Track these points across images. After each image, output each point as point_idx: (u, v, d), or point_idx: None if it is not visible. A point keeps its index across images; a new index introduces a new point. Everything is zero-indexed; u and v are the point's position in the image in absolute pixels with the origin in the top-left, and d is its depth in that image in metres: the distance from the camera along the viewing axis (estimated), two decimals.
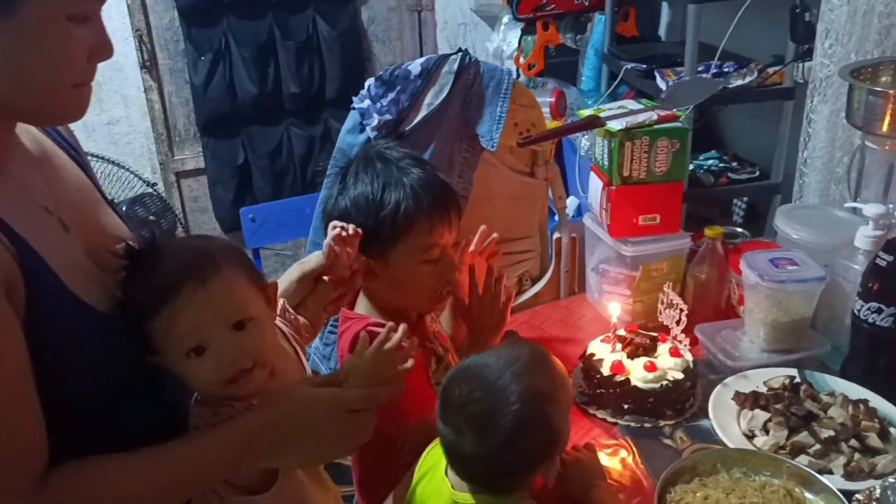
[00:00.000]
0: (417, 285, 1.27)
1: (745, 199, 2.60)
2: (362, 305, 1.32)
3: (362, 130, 1.64)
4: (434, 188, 1.25)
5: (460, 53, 1.67)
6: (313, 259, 1.20)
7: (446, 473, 1.09)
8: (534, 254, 1.90)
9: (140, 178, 2.84)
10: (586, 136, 2.47)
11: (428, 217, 1.22)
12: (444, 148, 1.64)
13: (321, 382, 1.02)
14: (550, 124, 2.14)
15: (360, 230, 1.18)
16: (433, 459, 1.13)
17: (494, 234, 1.43)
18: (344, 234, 1.16)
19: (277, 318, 1.12)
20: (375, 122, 1.60)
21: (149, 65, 2.94)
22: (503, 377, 0.97)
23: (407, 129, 1.62)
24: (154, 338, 0.95)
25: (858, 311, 1.35)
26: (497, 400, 0.96)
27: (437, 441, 1.08)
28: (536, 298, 1.87)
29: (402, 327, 1.05)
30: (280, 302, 1.15)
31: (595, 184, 1.64)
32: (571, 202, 2.29)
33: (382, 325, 1.24)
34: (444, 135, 1.65)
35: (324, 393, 1.00)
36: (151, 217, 2.68)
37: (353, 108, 1.66)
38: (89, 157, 1.34)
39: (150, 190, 2.88)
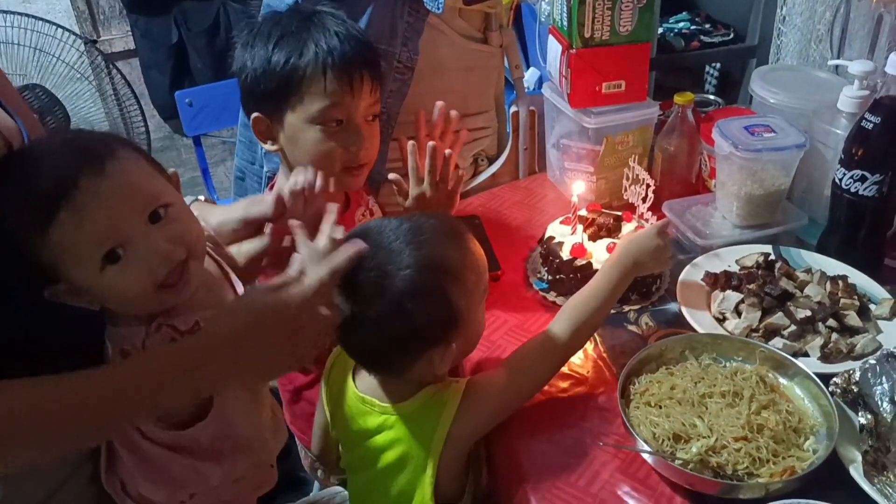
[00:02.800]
0: (319, 154, 1.16)
1: (719, 65, 2.44)
2: (282, 179, 1.22)
3: None
4: (340, 44, 1.13)
5: None
6: (264, 203, 1.05)
7: (359, 392, 1.01)
8: (490, 131, 1.74)
9: (65, 63, 2.56)
10: None
11: (323, 76, 1.12)
12: (383, 12, 1.45)
13: (279, 286, 0.87)
14: None
15: (323, 188, 1.05)
16: (336, 385, 1.06)
17: (453, 112, 1.32)
18: (302, 190, 1.03)
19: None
20: None
21: None
22: (400, 241, 0.89)
23: None
24: (52, 258, 0.80)
25: (840, 179, 1.24)
26: (389, 262, 0.88)
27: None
28: (494, 179, 1.73)
29: (316, 176, 1.02)
30: (207, 231, 1.01)
31: (554, 48, 1.47)
32: (531, 74, 2.12)
33: None
34: None
35: (292, 293, 0.85)
36: (34, 116, 2.41)
37: None
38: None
39: (37, 82, 2.55)
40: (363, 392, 1.01)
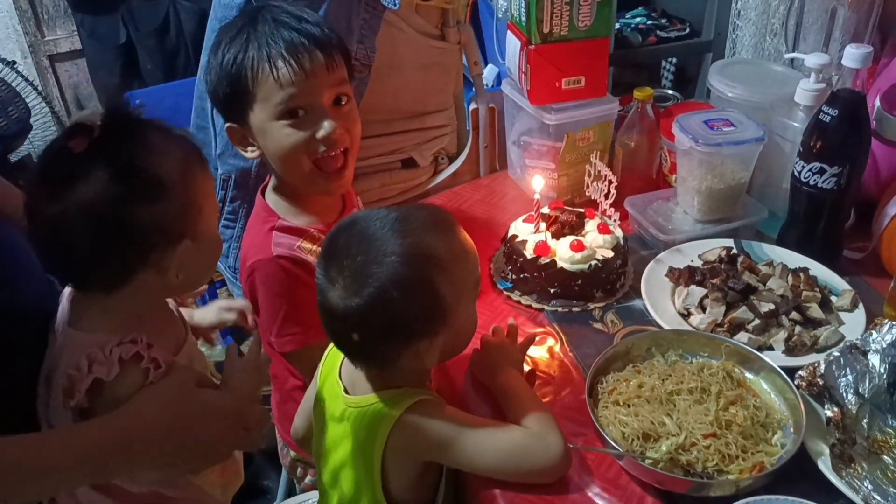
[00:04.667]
0: (285, 151, 1.11)
1: (675, 60, 2.45)
2: (271, 184, 1.21)
3: None
4: (287, 31, 1.08)
5: None
6: (233, 312, 1.21)
7: (340, 376, 0.98)
8: (450, 129, 1.73)
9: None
10: None
11: (274, 66, 1.07)
12: (339, 9, 1.42)
13: (200, 381, 0.92)
14: None
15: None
16: (331, 362, 1.02)
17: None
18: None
19: None
20: None
21: None
22: (388, 229, 0.87)
23: None
24: None
25: (799, 172, 1.24)
26: (375, 249, 0.86)
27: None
28: (455, 178, 1.72)
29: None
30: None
31: (513, 44, 1.45)
32: (490, 71, 2.10)
33: (291, 232, 1.13)
34: None
35: (223, 398, 0.92)
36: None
37: None
38: None
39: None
40: (343, 373, 0.98)
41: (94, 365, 0.85)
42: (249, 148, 1.16)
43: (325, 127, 1.10)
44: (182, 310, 1.11)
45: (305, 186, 1.16)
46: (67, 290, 0.95)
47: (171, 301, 1.04)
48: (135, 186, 0.83)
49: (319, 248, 1.11)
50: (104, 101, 0.86)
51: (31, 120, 2.46)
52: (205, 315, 1.20)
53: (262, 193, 1.21)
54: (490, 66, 2.14)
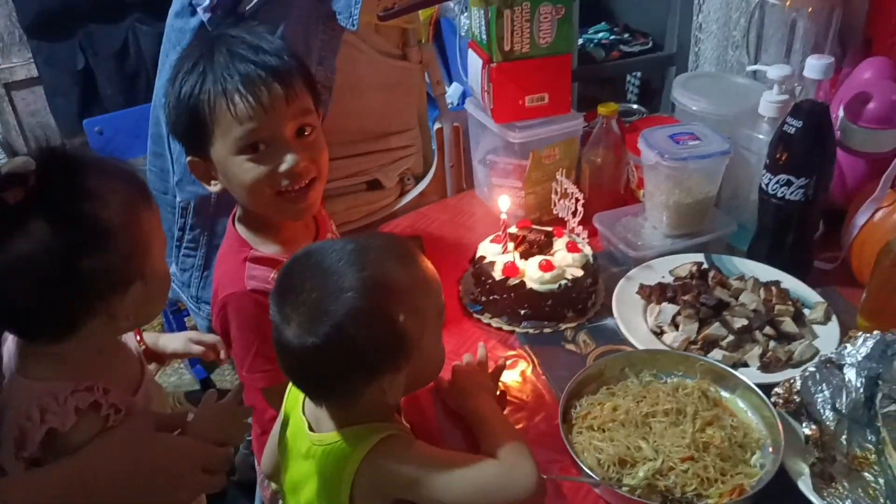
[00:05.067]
0: (247, 184, 1.07)
1: (639, 74, 2.45)
2: (238, 214, 1.17)
3: (193, 13, 1.36)
4: (242, 62, 1.04)
5: None
6: (203, 344, 1.18)
7: (303, 411, 0.94)
8: (414, 149, 1.70)
9: None
10: (465, 14, 2.24)
11: (231, 99, 1.02)
12: (296, 30, 1.38)
13: (164, 424, 0.90)
14: None
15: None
16: (295, 396, 0.98)
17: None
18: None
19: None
20: (207, 2, 1.32)
21: None
22: (344, 261, 0.82)
23: (247, 8, 1.34)
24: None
25: (766, 185, 1.23)
26: (331, 284, 0.81)
27: None
28: (421, 198, 1.69)
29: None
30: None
31: (474, 63, 1.43)
32: (454, 89, 2.08)
33: (265, 263, 1.10)
34: (295, 14, 1.38)
35: (186, 443, 0.90)
36: None
37: None
38: None
39: None
40: (306, 408, 0.94)
41: (48, 415, 0.81)
42: (212, 181, 1.11)
43: (288, 161, 1.05)
44: (146, 335, 1.08)
45: (272, 214, 1.12)
46: (11, 336, 0.90)
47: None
48: (78, 237, 0.79)
49: None
50: (34, 147, 0.82)
51: None
52: (170, 342, 1.16)
53: (233, 223, 1.17)
54: (454, 84, 2.12)
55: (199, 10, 1.33)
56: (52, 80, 2.72)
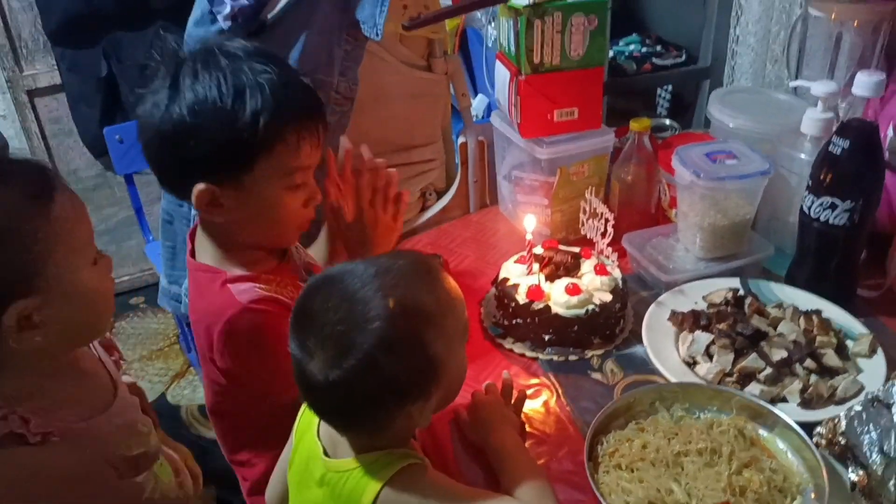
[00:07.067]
0: (280, 216, 1.01)
1: (670, 87, 2.38)
2: (204, 248, 1.06)
3: (214, 21, 1.32)
4: (298, 94, 0.98)
5: None
6: None
7: (318, 435, 0.89)
8: (437, 163, 1.65)
9: None
10: (493, 24, 2.19)
11: (295, 132, 0.96)
12: (319, 40, 1.34)
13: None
14: None
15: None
16: (308, 419, 0.93)
17: (365, 151, 1.22)
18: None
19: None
20: (228, 10, 1.28)
21: None
22: (368, 287, 0.77)
23: (270, 16, 1.31)
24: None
25: (808, 208, 1.16)
26: (356, 314, 0.76)
27: None
28: (443, 214, 1.63)
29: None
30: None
31: (502, 75, 1.38)
32: (480, 101, 2.03)
33: (244, 280, 1.02)
34: (319, 23, 1.34)
35: None
36: None
37: None
38: None
39: None
40: (321, 433, 0.89)
41: None
42: (217, 212, 0.99)
43: (316, 198, 1.03)
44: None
45: (272, 243, 1.07)
46: None
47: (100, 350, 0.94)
48: None
49: (276, 289, 1.02)
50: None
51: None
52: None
53: (192, 256, 1.08)
54: (480, 96, 2.07)
55: (219, 17, 1.30)
56: (75, 88, 2.71)
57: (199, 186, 0.96)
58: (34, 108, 2.71)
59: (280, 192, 0.99)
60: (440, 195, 1.67)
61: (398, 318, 0.76)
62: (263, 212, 1.00)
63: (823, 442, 0.92)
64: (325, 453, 0.88)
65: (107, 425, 0.87)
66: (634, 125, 1.37)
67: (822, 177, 1.13)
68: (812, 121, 1.24)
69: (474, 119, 1.74)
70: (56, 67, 2.67)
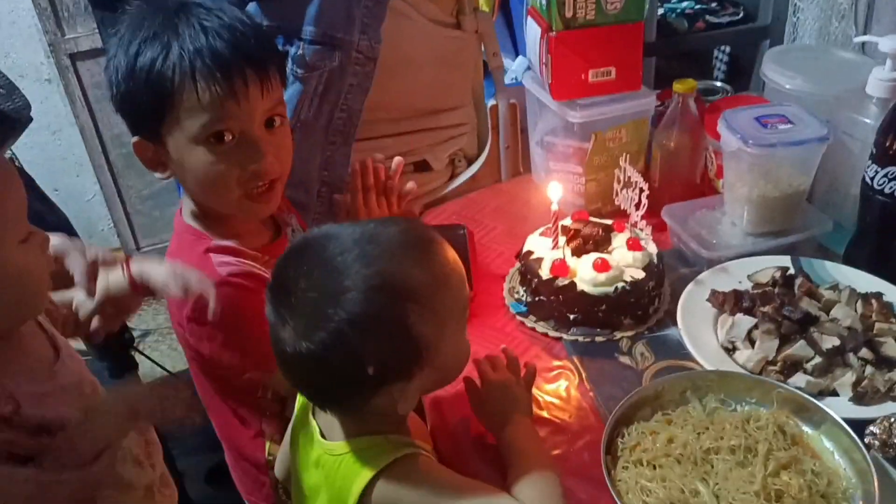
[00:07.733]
0: (205, 177, 0.95)
1: (727, 48, 2.23)
2: (187, 209, 1.03)
3: None
4: (209, 41, 0.90)
5: None
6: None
7: (313, 414, 0.84)
8: (468, 128, 1.56)
9: None
10: None
11: (195, 82, 0.89)
12: None
13: None
14: None
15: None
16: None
17: (397, 159, 1.18)
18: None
19: None
20: None
21: None
22: (348, 254, 0.71)
23: None
24: None
25: (871, 178, 1.05)
26: (331, 283, 0.71)
27: None
28: (474, 182, 1.55)
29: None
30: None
31: (533, 32, 1.28)
32: (519, 64, 1.93)
33: (229, 252, 0.98)
34: None
35: None
36: None
37: None
38: None
39: None
40: (316, 412, 0.84)
41: None
42: (160, 169, 0.98)
43: (257, 160, 0.95)
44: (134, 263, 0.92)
45: (231, 212, 1.01)
46: None
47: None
48: None
49: (262, 266, 0.97)
50: None
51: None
52: (153, 273, 0.90)
53: (181, 216, 1.04)
54: (520, 58, 1.96)
55: None
56: None
57: (134, 139, 0.96)
58: (76, 71, 2.70)
59: (201, 152, 0.93)
60: (470, 162, 1.58)
61: (376, 291, 0.70)
62: (191, 172, 0.95)
63: (877, 443, 0.83)
64: (322, 434, 0.83)
65: (60, 379, 0.82)
66: (678, 86, 1.26)
67: (888, 144, 1.02)
68: (879, 81, 1.12)
69: (513, 82, 1.64)
70: (97, 31, 2.65)
